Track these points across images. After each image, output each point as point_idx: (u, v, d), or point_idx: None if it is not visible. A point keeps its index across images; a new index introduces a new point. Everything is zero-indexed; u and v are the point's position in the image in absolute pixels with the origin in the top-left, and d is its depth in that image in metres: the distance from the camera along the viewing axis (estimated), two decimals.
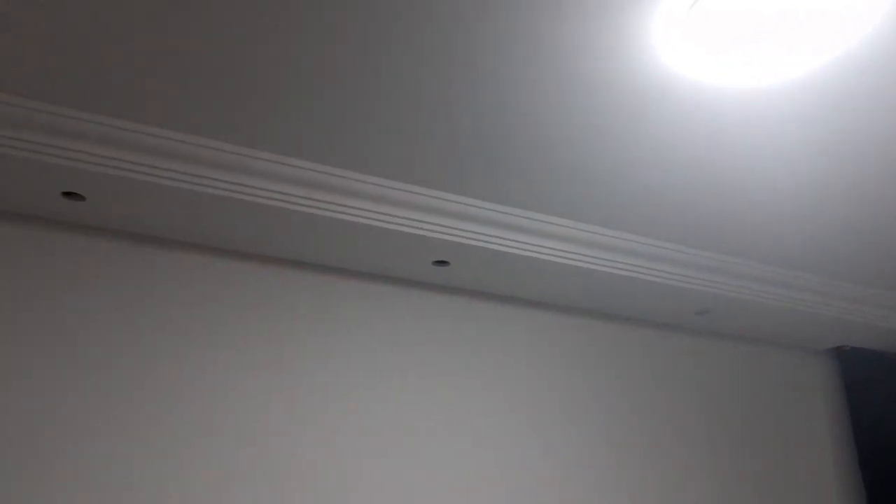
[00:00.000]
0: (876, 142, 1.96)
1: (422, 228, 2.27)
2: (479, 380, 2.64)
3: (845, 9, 1.43)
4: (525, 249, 2.42)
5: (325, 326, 2.47)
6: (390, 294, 2.63)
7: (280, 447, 2.25)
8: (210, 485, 2.12)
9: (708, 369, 3.16)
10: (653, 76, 1.69)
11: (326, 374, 2.41)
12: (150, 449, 2.09)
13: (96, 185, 1.97)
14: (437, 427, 2.51)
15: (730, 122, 1.87)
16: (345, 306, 2.53)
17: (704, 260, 2.67)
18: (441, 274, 2.60)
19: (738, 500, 2.96)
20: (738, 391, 3.18)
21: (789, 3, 1.41)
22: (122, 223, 2.23)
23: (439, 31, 1.55)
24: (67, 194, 2.03)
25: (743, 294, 2.78)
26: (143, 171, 1.94)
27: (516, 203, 2.33)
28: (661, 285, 2.65)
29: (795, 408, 3.30)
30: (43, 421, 2.01)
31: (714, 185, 2.20)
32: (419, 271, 2.58)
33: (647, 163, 2.08)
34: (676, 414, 2.98)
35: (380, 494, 2.33)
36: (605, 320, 3.00)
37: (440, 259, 2.47)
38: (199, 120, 1.89)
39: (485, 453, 2.54)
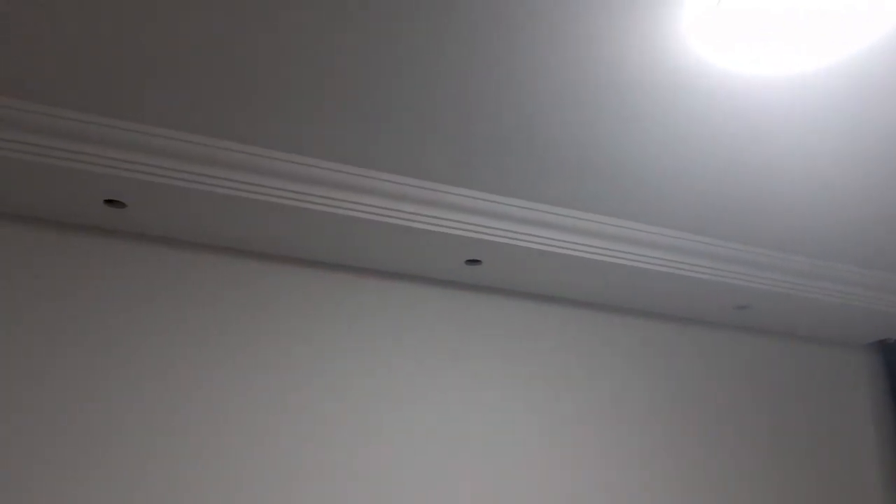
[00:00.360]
0: None
1: (455, 228, 2.28)
2: (514, 379, 2.64)
3: (869, 4, 1.41)
4: (559, 246, 2.41)
5: (355, 328, 2.49)
6: (422, 293, 2.64)
7: (306, 449, 2.28)
8: (221, 483, 2.16)
9: (749, 365, 3.11)
10: (679, 71, 1.67)
11: (353, 376, 2.43)
12: (163, 446, 2.14)
13: (138, 192, 2.02)
14: (471, 426, 2.51)
15: (757, 112, 1.85)
16: (377, 307, 2.55)
17: (740, 253, 2.63)
18: (474, 273, 2.61)
19: (781, 499, 2.91)
20: (780, 387, 3.13)
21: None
22: (154, 228, 2.28)
23: (466, 31, 1.56)
24: (110, 202, 2.09)
25: (781, 288, 2.73)
26: (175, 176, 1.98)
27: (549, 200, 2.32)
28: (698, 280, 2.62)
29: (839, 403, 3.23)
30: (55, 419, 2.06)
31: (747, 176, 2.16)
32: (451, 271, 2.59)
33: (677, 156, 2.06)
34: (717, 410, 2.94)
35: (399, 497, 2.34)
36: (641, 316, 2.97)
37: (473, 258, 2.47)
38: (225, 124, 1.92)
39: (517, 453, 2.54)
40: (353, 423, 2.35)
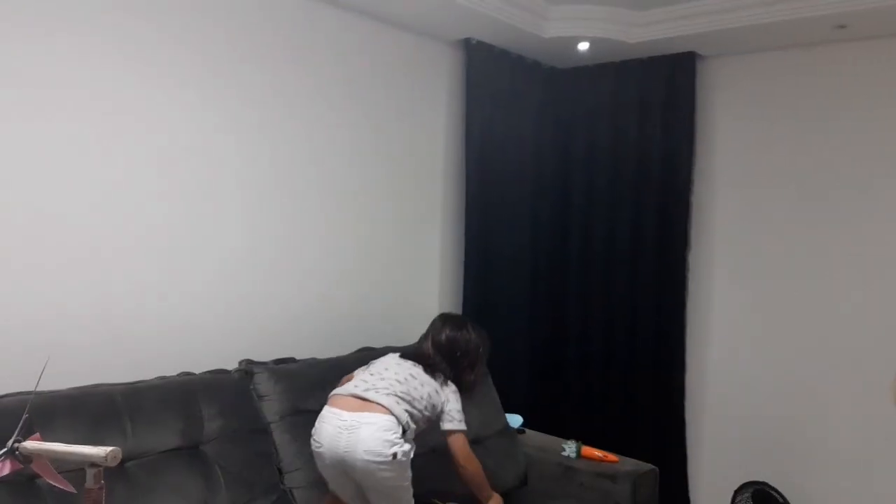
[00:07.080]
0: None
1: None
2: None
3: None
4: None
5: None
6: None
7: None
8: None
9: (340, 46, 2.99)
10: None
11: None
12: None
13: None
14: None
15: None
16: None
17: None
18: None
19: (363, 171, 3.05)
20: (369, 70, 3.10)
21: None
22: None
23: None
24: None
25: None
26: None
27: None
28: None
29: (420, 95, 3.35)
30: None
31: None
32: None
33: None
34: (308, 91, 2.83)
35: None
36: None
37: None
38: None
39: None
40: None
